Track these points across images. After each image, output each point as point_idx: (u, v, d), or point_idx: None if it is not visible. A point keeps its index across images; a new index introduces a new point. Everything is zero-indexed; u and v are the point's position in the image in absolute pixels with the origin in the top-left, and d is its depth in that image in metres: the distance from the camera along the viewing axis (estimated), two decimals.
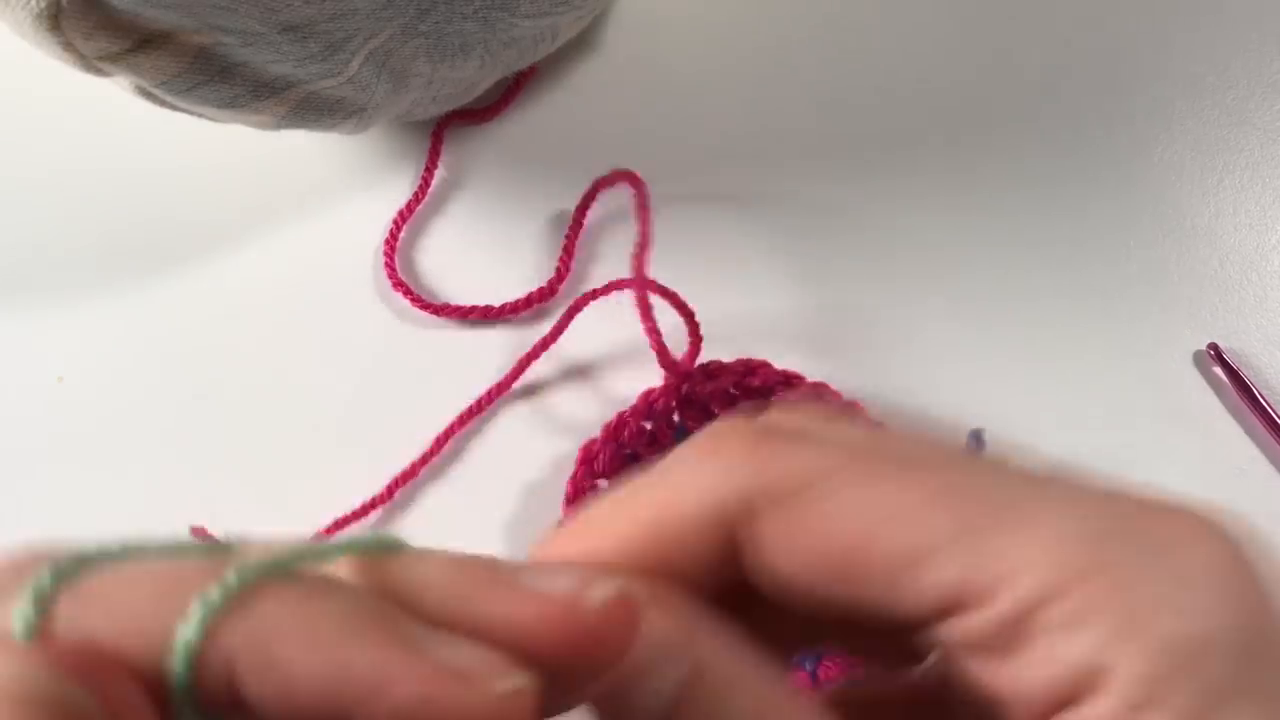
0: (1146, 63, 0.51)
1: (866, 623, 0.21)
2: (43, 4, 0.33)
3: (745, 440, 0.21)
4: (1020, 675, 0.20)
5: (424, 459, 0.44)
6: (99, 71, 0.37)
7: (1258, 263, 0.46)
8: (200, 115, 0.41)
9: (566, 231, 0.47)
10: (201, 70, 0.37)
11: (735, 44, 0.52)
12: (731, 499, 0.21)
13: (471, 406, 0.44)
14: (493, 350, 0.45)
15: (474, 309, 0.46)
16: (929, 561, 0.20)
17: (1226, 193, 0.48)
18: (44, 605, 0.16)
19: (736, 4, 0.53)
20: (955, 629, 0.20)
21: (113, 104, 0.46)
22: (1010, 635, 0.19)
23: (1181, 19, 0.51)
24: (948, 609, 0.20)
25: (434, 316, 0.47)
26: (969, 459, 0.22)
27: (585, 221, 0.47)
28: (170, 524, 0.42)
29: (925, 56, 0.51)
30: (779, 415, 0.23)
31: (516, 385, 0.45)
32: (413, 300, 0.46)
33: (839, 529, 0.20)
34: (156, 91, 0.38)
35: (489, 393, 0.44)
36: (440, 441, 0.44)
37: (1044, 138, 0.49)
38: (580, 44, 0.51)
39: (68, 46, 0.35)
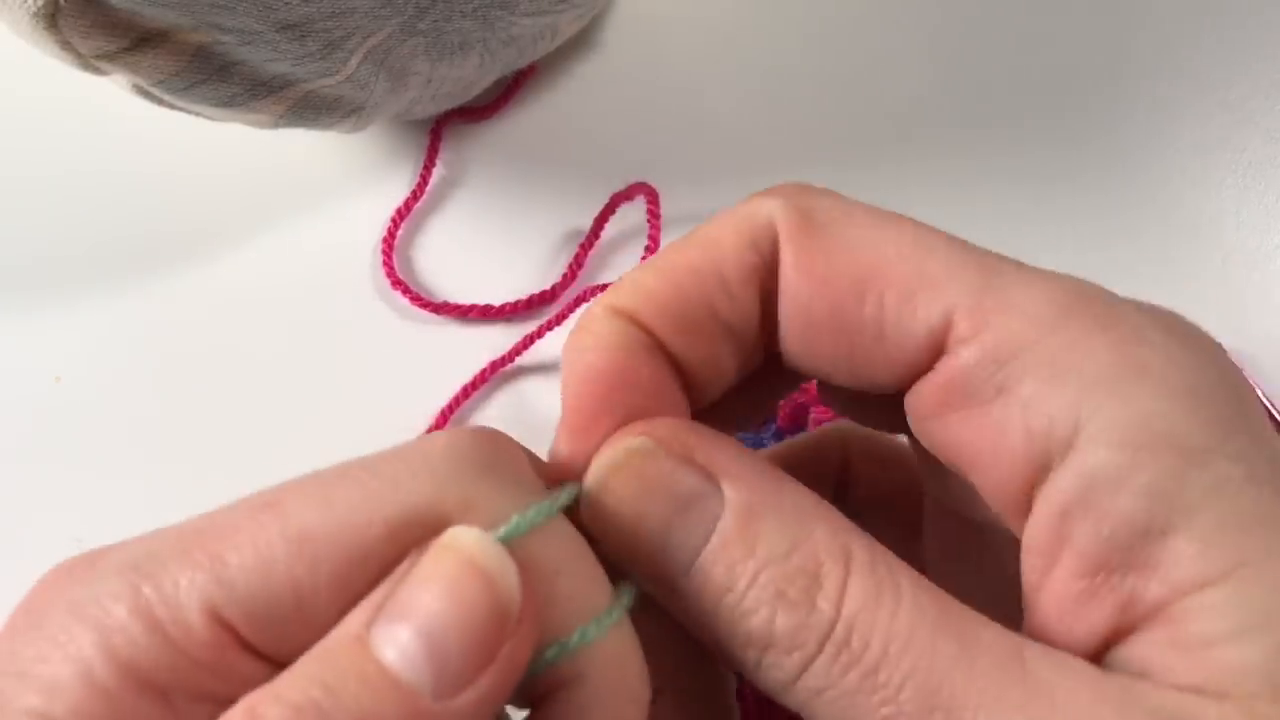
0: (1148, 62, 0.50)
1: (863, 381, 0.23)
2: (40, 2, 0.33)
3: (778, 190, 0.23)
4: (995, 426, 0.21)
5: None
6: (96, 70, 0.37)
7: (1260, 262, 0.46)
8: (198, 114, 0.41)
9: (581, 241, 0.47)
10: (199, 69, 0.37)
11: (735, 42, 0.52)
12: (763, 227, 0.23)
13: (475, 379, 0.45)
14: (491, 349, 0.45)
15: (473, 308, 0.46)
16: (925, 293, 0.21)
17: (1229, 192, 0.48)
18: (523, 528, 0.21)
19: (736, 2, 0.53)
20: (939, 374, 0.21)
21: (110, 103, 0.46)
22: (989, 379, 0.21)
23: (1184, 18, 0.51)
24: (936, 346, 0.21)
25: (433, 315, 0.46)
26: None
27: (595, 232, 0.47)
28: (169, 522, 0.42)
29: (927, 56, 0.51)
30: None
31: (516, 366, 0.45)
32: (411, 299, 0.46)
33: (851, 256, 0.22)
34: (154, 90, 0.38)
35: (489, 366, 0.45)
36: (444, 416, 0.44)
37: (1046, 138, 0.49)
38: (580, 43, 0.51)
39: (65, 45, 0.35)
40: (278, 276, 0.48)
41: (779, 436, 0.40)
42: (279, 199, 0.49)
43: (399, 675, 0.19)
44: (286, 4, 0.36)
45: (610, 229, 0.47)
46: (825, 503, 0.22)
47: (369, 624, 0.20)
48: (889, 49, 0.51)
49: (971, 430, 0.21)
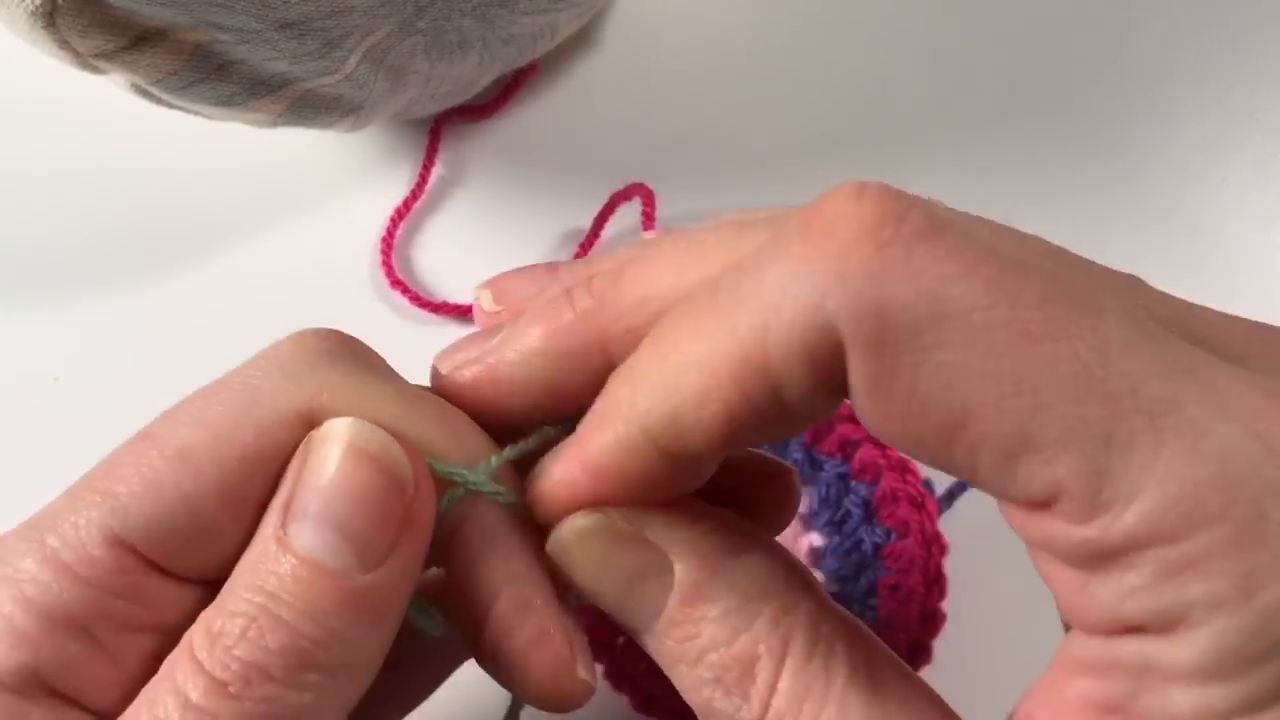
0: (1148, 61, 0.50)
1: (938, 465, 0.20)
2: (38, 1, 0.33)
3: (862, 229, 0.18)
4: (1092, 590, 0.18)
5: None
6: (94, 69, 0.36)
7: (1263, 262, 0.46)
8: (196, 113, 0.41)
9: (581, 241, 0.47)
10: (197, 68, 0.37)
11: (735, 40, 0.52)
12: (822, 331, 0.18)
13: None
14: None
15: (472, 307, 0.46)
16: (1029, 459, 0.18)
17: (1231, 191, 0.48)
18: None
19: (736, 1, 0.52)
20: (1042, 522, 0.18)
21: (108, 102, 0.46)
22: (1099, 554, 0.18)
23: (1186, 17, 0.51)
24: (1041, 503, 0.18)
25: (432, 315, 0.46)
26: (1121, 312, 0.18)
27: (595, 232, 0.47)
28: None
29: (927, 55, 0.51)
30: (896, 194, 0.19)
31: None
32: (410, 298, 0.46)
33: (939, 394, 0.18)
34: (152, 89, 0.38)
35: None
36: None
37: (1046, 137, 0.49)
38: (580, 41, 0.51)
39: (63, 44, 0.35)
40: (276, 276, 0.47)
41: (809, 456, 0.39)
42: (278, 198, 0.49)
43: (324, 563, 0.21)
44: (285, 2, 0.36)
45: (610, 229, 0.47)
46: (782, 574, 0.22)
47: (283, 524, 0.22)
48: (889, 49, 0.51)
49: (1066, 578, 0.19)
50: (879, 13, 0.52)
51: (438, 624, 0.25)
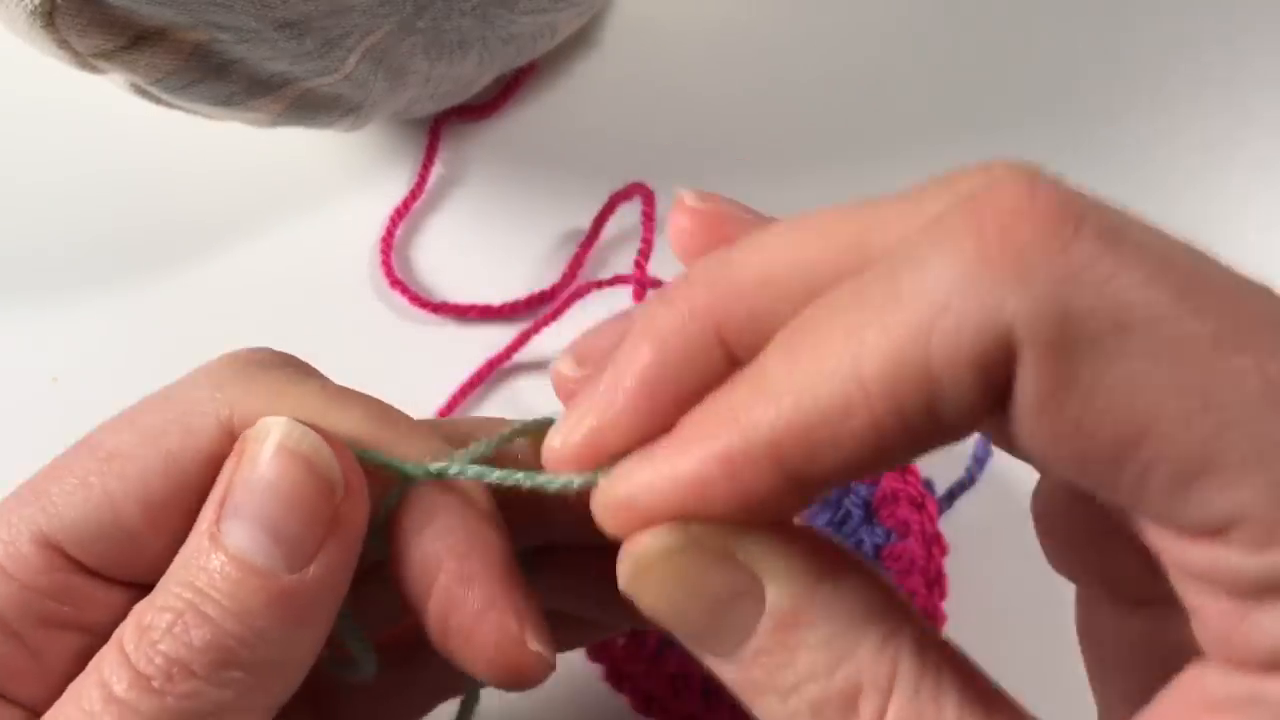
0: (1150, 59, 0.50)
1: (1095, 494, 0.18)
2: (37, 1, 0.33)
3: (1045, 228, 0.16)
4: (1254, 622, 0.17)
5: None
6: (94, 69, 0.36)
7: (1264, 262, 0.46)
8: (196, 113, 0.41)
9: (580, 241, 0.47)
10: (197, 67, 0.37)
11: (735, 41, 0.51)
12: (997, 333, 0.16)
13: (472, 378, 0.45)
14: (490, 349, 0.45)
15: (472, 307, 0.46)
16: (1209, 480, 0.16)
17: (1232, 191, 0.48)
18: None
19: (736, 1, 0.52)
20: (1210, 550, 0.17)
21: (107, 102, 0.46)
22: (1272, 585, 0.16)
23: (1187, 16, 0.51)
24: (1215, 530, 0.17)
25: (431, 315, 0.46)
26: None
27: (595, 232, 0.47)
28: None
29: (927, 55, 0.51)
30: (1066, 189, 0.17)
31: (516, 361, 0.45)
32: (410, 298, 0.46)
33: (1118, 402, 0.16)
34: (151, 89, 0.38)
35: (487, 365, 0.45)
36: (443, 415, 0.44)
37: (1046, 136, 0.49)
38: (580, 41, 0.51)
39: (62, 44, 0.35)
40: (276, 276, 0.47)
41: (836, 515, 0.39)
42: (277, 198, 0.49)
43: (252, 561, 0.21)
44: (284, 2, 0.36)
45: (610, 228, 0.47)
46: (882, 598, 0.20)
47: (218, 520, 0.22)
48: (889, 49, 0.51)
49: (1224, 610, 0.17)
50: (879, 13, 0.52)
51: (369, 657, 0.25)
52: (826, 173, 0.48)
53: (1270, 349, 0.16)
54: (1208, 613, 0.17)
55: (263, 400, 0.23)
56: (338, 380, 0.45)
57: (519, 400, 0.45)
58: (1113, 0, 0.51)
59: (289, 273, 0.47)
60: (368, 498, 0.23)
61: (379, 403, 0.25)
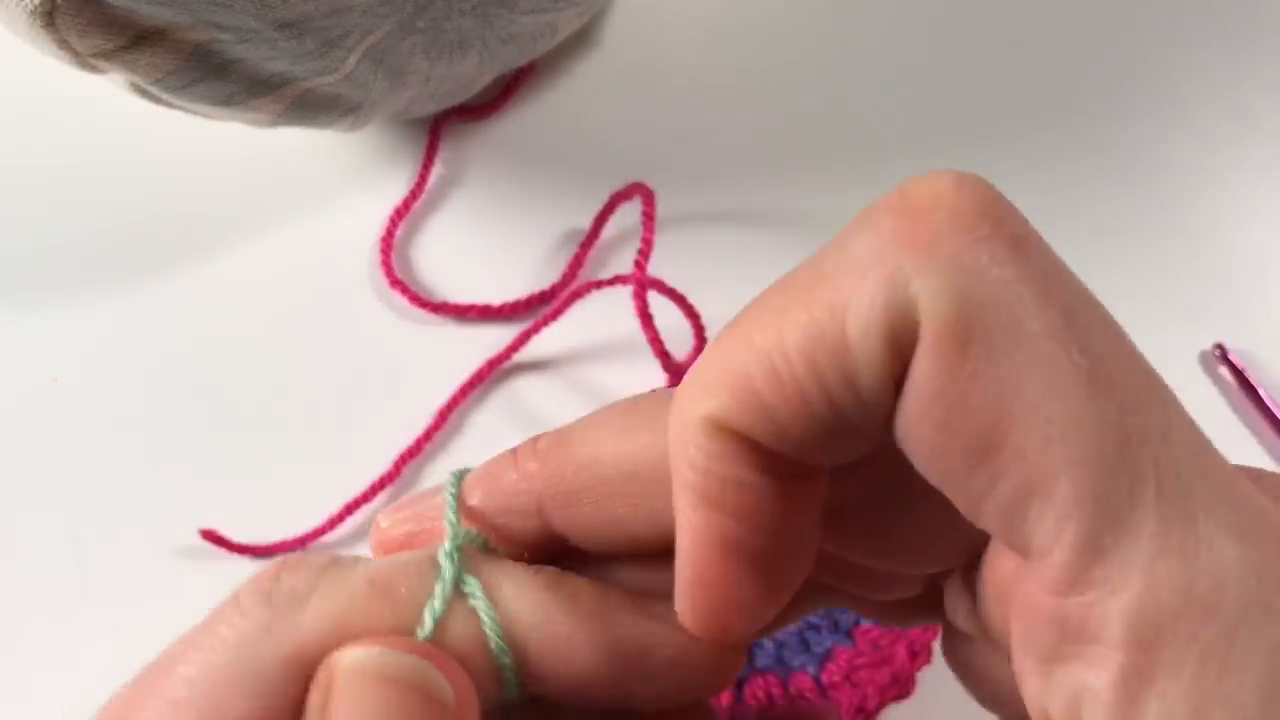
0: (1152, 62, 0.50)
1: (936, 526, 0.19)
2: (37, 1, 0.33)
3: (962, 220, 0.17)
4: (1047, 672, 0.17)
5: (428, 434, 0.44)
6: (94, 69, 0.36)
7: (1264, 262, 0.46)
8: (196, 113, 0.41)
9: (580, 241, 0.46)
10: (197, 67, 0.37)
11: (735, 40, 0.51)
12: (904, 312, 0.17)
13: (472, 378, 0.44)
14: (490, 349, 0.45)
15: (472, 307, 0.46)
16: (1052, 506, 0.16)
17: (1233, 191, 0.48)
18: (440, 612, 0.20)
19: (736, 1, 0.52)
20: (1021, 573, 0.17)
21: (107, 102, 0.46)
22: (1066, 629, 0.16)
23: (1188, 18, 0.51)
24: (1035, 554, 0.17)
25: (431, 315, 0.46)
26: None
27: (595, 232, 0.47)
28: (167, 523, 0.42)
29: (927, 56, 0.51)
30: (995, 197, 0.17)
31: (516, 361, 0.45)
32: (410, 298, 0.46)
33: (997, 411, 0.16)
34: (151, 89, 0.38)
35: (487, 365, 0.45)
36: (443, 415, 0.44)
37: (1048, 139, 0.49)
38: (580, 41, 0.51)
39: (62, 44, 0.35)
40: (276, 276, 0.47)
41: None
42: (277, 198, 0.49)
43: None
44: (284, 2, 0.36)
45: (610, 228, 0.47)
46: None
47: None
48: (889, 49, 0.51)
49: (1000, 632, 0.18)
50: (880, 14, 0.52)
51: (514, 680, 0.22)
52: (826, 173, 0.48)
53: (1147, 406, 0.17)
54: (1022, 667, 0.18)
55: (376, 623, 0.20)
56: (338, 380, 0.46)
57: (519, 400, 0.45)
58: (1116, 4, 0.51)
59: (289, 273, 0.47)
60: (476, 704, 0.20)
61: (482, 602, 0.22)
